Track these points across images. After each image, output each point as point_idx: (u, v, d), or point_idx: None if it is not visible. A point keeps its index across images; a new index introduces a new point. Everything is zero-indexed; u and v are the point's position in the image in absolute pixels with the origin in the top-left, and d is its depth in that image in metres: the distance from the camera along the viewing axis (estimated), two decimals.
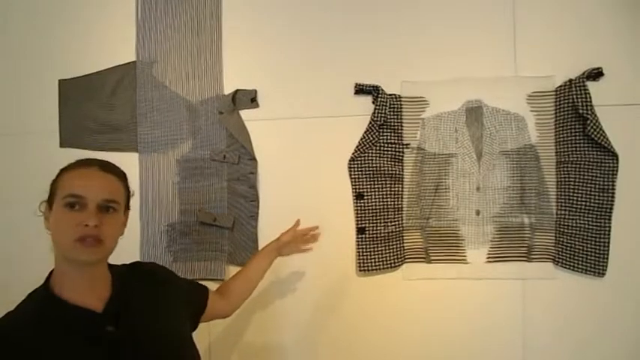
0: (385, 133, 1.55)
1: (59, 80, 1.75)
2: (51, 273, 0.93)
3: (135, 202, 1.60)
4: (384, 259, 1.53)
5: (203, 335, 1.57)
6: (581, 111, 1.45)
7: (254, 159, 1.59)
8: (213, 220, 1.60)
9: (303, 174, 1.58)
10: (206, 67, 1.64)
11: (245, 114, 1.61)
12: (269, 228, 1.55)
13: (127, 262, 1.07)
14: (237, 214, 1.60)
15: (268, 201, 1.59)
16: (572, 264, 1.48)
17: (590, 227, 1.46)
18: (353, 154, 1.55)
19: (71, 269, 0.90)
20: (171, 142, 1.64)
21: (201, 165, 1.63)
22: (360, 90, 1.56)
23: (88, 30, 1.74)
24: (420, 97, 1.55)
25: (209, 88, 1.64)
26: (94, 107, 1.70)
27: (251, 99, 1.60)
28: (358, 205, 1.55)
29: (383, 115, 1.53)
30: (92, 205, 0.89)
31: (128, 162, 1.66)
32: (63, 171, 0.95)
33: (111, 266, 1.00)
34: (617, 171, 1.46)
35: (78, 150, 1.68)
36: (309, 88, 1.59)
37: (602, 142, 1.44)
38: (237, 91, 1.61)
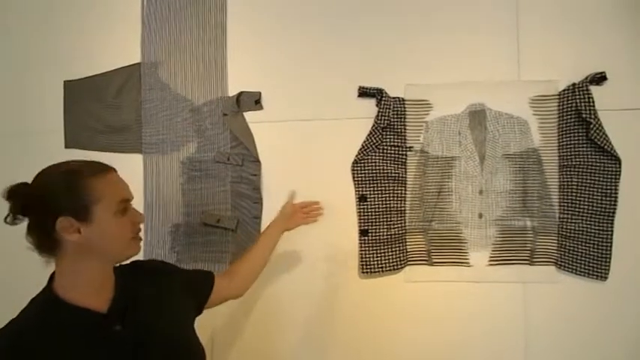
0: (388, 136, 1.55)
1: (64, 81, 1.76)
2: (52, 276, 0.93)
3: (139, 203, 1.63)
4: (387, 261, 1.54)
5: (205, 331, 1.57)
6: (584, 115, 1.45)
7: (258, 161, 1.60)
8: (217, 222, 1.61)
9: (306, 176, 1.59)
10: (210, 68, 1.65)
11: (249, 116, 1.62)
12: None
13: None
14: (241, 215, 1.61)
15: (271, 202, 1.59)
16: (574, 267, 1.49)
17: (593, 231, 1.47)
18: (356, 156, 1.56)
19: (94, 268, 0.91)
20: (175, 144, 1.65)
21: (205, 167, 1.63)
22: (364, 93, 1.56)
23: (93, 31, 1.75)
24: (424, 100, 1.56)
25: (213, 89, 1.64)
26: (98, 108, 1.72)
27: (255, 101, 1.61)
28: (361, 207, 1.55)
29: (386, 117, 1.54)
30: (131, 205, 0.96)
31: (132, 163, 1.68)
32: (85, 179, 0.88)
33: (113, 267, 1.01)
34: (619, 175, 1.46)
35: (83, 151, 1.70)
36: (312, 90, 1.60)
37: (605, 147, 1.44)
38: (241, 92, 1.61)
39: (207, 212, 1.62)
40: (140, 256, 1.62)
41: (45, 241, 0.87)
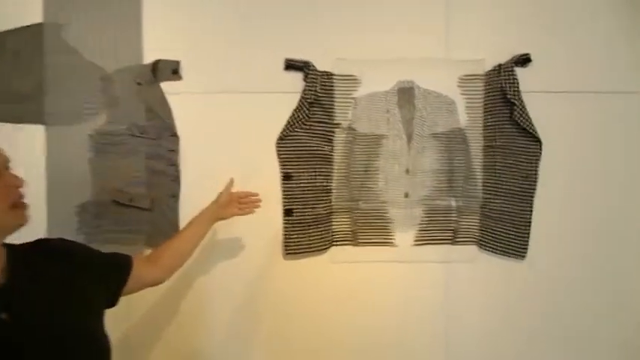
0: (315, 112, 1.49)
1: None
2: None
3: (41, 180, 1.48)
4: (312, 242, 1.49)
5: (120, 326, 1.46)
6: (508, 96, 1.46)
7: (175, 135, 1.49)
8: (130, 201, 1.49)
9: (229, 152, 1.50)
10: (124, 33, 1.50)
11: (166, 86, 1.50)
12: (192, 209, 1.42)
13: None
14: (157, 193, 1.50)
15: (191, 180, 1.50)
16: (494, 247, 1.52)
17: (513, 211, 1.50)
18: (281, 132, 1.48)
19: None
20: (83, 115, 1.50)
21: (117, 140, 1.50)
22: (291, 65, 1.48)
23: None
24: (352, 76, 1.50)
25: (126, 56, 1.50)
26: None
27: (173, 70, 1.49)
28: (286, 186, 1.49)
29: (314, 92, 1.47)
30: (6, 168, 0.85)
31: (33, 136, 1.50)
32: None
33: (8, 245, 0.88)
34: (540, 157, 1.49)
35: None
36: (236, 60, 1.50)
37: (528, 128, 1.47)
38: (158, 61, 1.49)
39: (119, 190, 1.49)
40: None
41: None
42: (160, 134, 1.49)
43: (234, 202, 1.32)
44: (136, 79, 1.49)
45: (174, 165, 1.49)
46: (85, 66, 1.50)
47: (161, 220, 1.49)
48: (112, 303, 1.03)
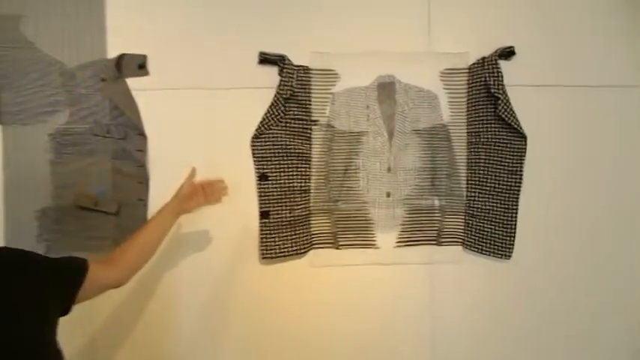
0: (292, 108, 1.41)
1: None
2: None
3: None
4: (290, 245, 1.42)
5: (85, 329, 1.37)
6: (492, 90, 1.41)
7: (143, 134, 1.40)
8: (95, 205, 1.39)
9: (201, 152, 1.41)
10: (86, 25, 1.41)
11: (132, 82, 1.41)
12: None
13: None
14: (124, 197, 1.40)
15: (160, 182, 1.41)
16: (480, 247, 1.47)
17: (498, 210, 1.45)
18: (256, 130, 1.40)
19: None
20: (42, 113, 1.39)
21: (80, 140, 1.40)
22: (265, 59, 1.41)
23: None
24: (331, 70, 1.44)
25: (89, 50, 1.41)
26: None
27: (139, 65, 1.40)
28: (262, 186, 1.41)
29: (289, 87, 1.39)
30: None
31: None
32: None
33: None
34: (525, 153, 1.44)
35: None
36: (208, 54, 1.42)
37: (512, 123, 1.42)
38: (122, 55, 1.40)
39: (83, 194, 1.39)
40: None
41: None
42: (126, 133, 1.40)
43: (199, 193, 1.24)
44: (99, 75, 1.40)
45: (142, 166, 1.40)
46: (44, 61, 1.40)
47: (128, 225, 1.40)
48: (66, 310, 0.95)
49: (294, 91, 1.40)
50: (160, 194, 1.40)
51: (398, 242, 1.46)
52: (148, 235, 1.16)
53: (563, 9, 1.48)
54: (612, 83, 1.49)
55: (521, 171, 1.44)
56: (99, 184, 1.40)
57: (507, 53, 1.45)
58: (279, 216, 1.41)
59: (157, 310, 1.43)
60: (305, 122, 1.42)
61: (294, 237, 1.42)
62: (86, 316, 1.37)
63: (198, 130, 1.42)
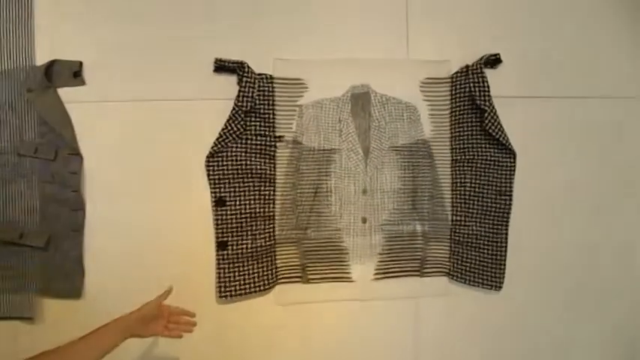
0: (253, 123, 1.25)
1: None
2: None
3: None
4: (252, 280, 1.24)
5: None
6: (478, 102, 1.29)
7: (78, 154, 1.21)
8: (20, 237, 1.19)
9: (147, 174, 1.23)
10: (9, 26, 1.21)
11: (65, 93, 1.22)
12: (99, 246, 1.21)
13: None
14: (55, 228, 1.20)
15: (98, 210, 1.22)
16: (467, 277, 1.33)
17: (486, 234, 1.32)
18: (212, 148, 1.23)
19: None
20: None
21: (1, 161, 1.19)
22: (222, 67, 1.24)
23: None
24: (297, 80, 1.28)
25: (13, 56, 1.22)
26: None
27: (74, 73, 1.22)
28: (219, 213, 1.23)
29: (250, 99, 1.22)
30: None
31: None
32: None
33: None
34: (514, 171, 1.32)
35: None
36: (154, 61, 1.24)
37: (500, 138, 1.30)
38: (53, 61, 1.21)
39: (5, 224, 1.18)
40: None
41: None
42: (57, 153, 1.20)
43: (162, 319, 1.03)
44: (25, 84, 1.20)
45: (77, 191, 1.20)
46: None
47: (60, 261, 1.20)
48: None
49: (256, 103, 1.23)
50: (97, 224, 1.22)
51: (376, 274, 1.31)
52: (79, 353, 0.89)
53: (554, 13, 1.38)
54: (608, 94, 1.39)
55: (510, 191, 1.31)
56: (25, 214, 1.20)
57: (493, 61, 1.33)
58: (239, 247, 1.23)
59: None
60: (268, 139, 1.26)
61: (256, 271, 1.24)
62: None
63: (142, 148, 1.23)
